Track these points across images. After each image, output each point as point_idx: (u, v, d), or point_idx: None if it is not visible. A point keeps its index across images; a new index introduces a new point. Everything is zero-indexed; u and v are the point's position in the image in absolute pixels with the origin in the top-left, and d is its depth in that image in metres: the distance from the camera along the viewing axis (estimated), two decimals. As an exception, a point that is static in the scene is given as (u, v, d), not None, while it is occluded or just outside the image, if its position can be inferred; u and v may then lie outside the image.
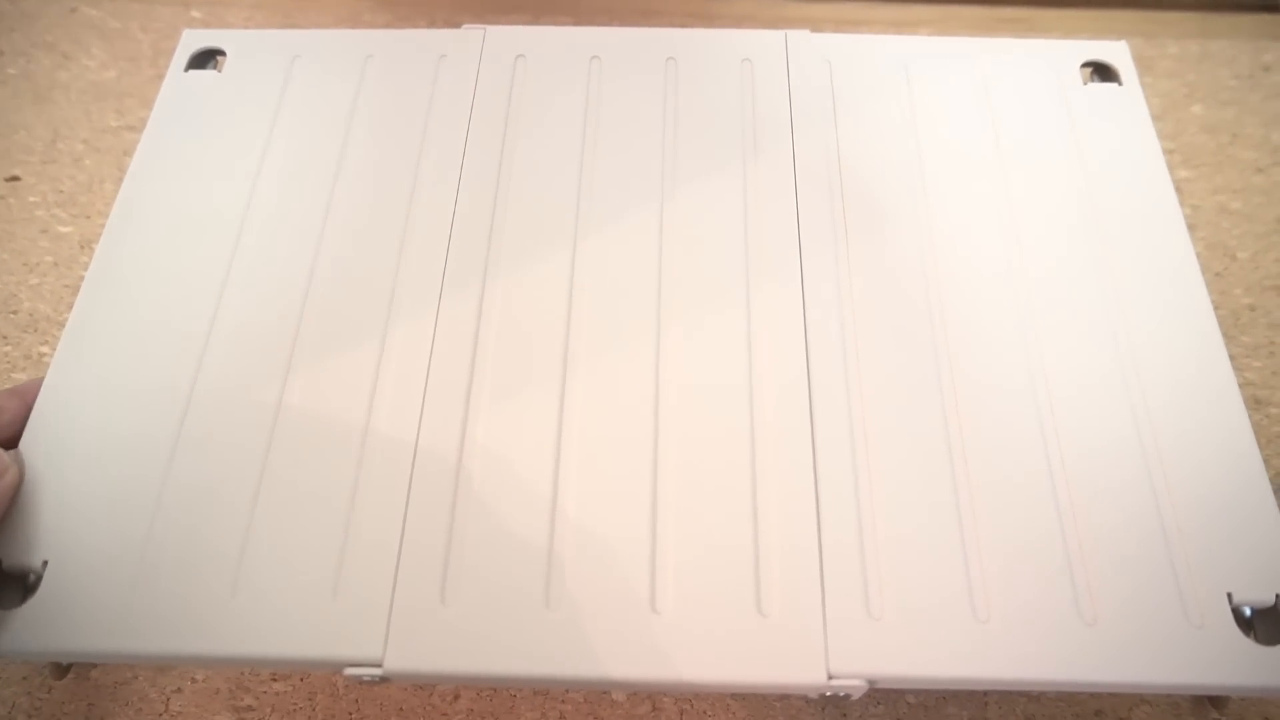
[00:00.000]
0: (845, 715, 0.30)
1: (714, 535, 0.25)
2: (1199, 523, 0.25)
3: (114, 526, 0.26)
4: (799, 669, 0.24)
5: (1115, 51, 0.34)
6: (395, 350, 0.28)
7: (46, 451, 0.27)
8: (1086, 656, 0.24)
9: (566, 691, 0.30)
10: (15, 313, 0.38)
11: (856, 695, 0.24)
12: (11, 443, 0.27)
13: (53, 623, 0.24)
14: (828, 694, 0.24)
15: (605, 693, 0.31)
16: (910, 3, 0.46)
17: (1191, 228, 0.32)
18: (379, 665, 0.24)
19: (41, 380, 0.28)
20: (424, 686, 0.31)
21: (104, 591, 0.25)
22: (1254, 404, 0.36)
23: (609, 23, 0.35)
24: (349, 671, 0.24)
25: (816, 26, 0.35)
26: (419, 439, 0.27)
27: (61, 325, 0.38)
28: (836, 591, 0.25)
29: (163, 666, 0.31)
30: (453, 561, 0.25)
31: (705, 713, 0.30)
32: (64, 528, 0.26)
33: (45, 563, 0.25)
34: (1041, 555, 0.25)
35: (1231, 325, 0.37)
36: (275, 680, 0.31)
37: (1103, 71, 0.34)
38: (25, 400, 0.28)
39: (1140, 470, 0.26)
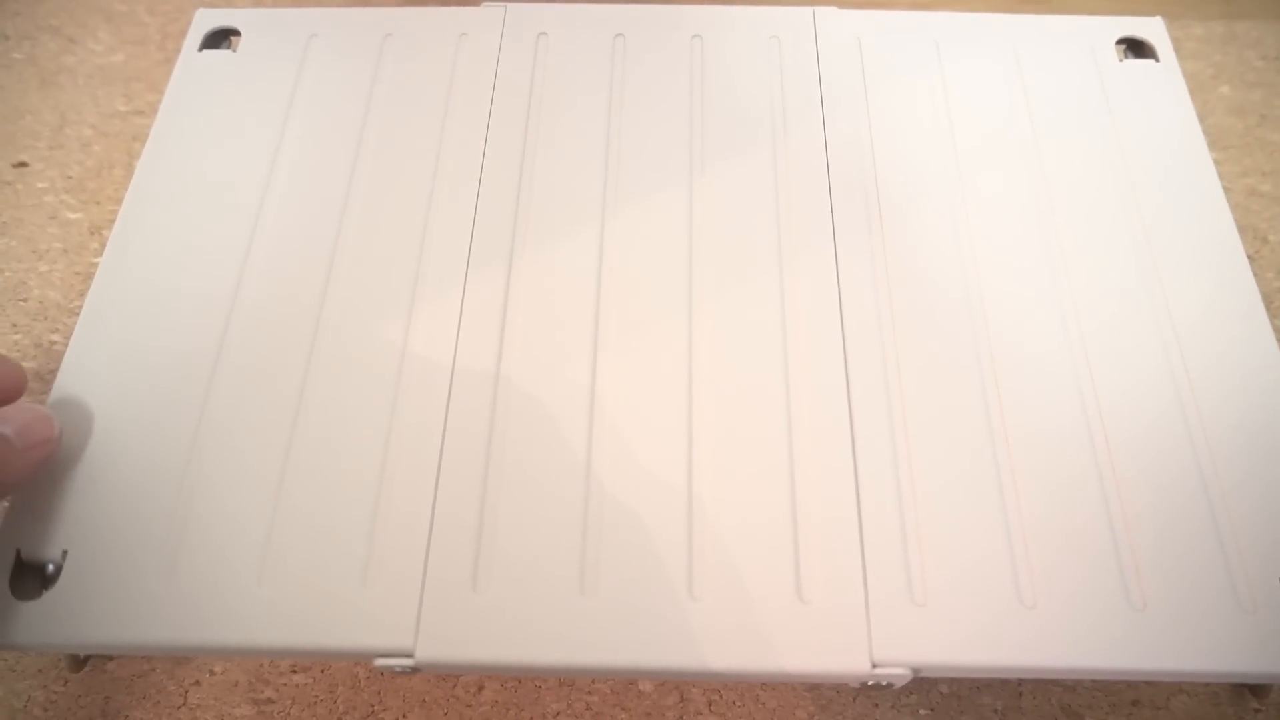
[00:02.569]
0: (877, 705, 0.29)
1: (752, 520, 0.25)
2: (1248, 505, 0.25)
3: (136, 516, 0.25)
4: (842, 657, 0.23)
5: (1150, 27, 0.33)
6: (421, 332, 0.27)
7: (65, 439, 0.26)
8: (1136, 643, 0.23)
9: (593, 682, 0.30)
10: (25, 300, 0.38)
11: (899, 685, 0.24)
12: None
13: (73, 614, 0.24)
14: (869, 683, 0.24)
15: (632, 683, 0.30)
16: (932, -18, 0.45)
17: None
18: (410, 655, 0.23)
19: None
20: (447, 678, 0.30)
21: (127, 581, 0.24)
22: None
23: (628, 0, 0.34)
24: (379, 662, 0.23)
25: (841, 4, 0.34)
26: (446, 424, 0.26)
27: (72, 312, 0.37)
28: (879, 577, 0.24)
29: (181, 659, 0.30)
30: (484, 548, 0.24)
31: (734, 703, 0.30)
32: (84, 517, 0.25)
33: (65, 553, 0.25)
34: (1088, 539, 0.24)
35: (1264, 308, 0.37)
36: (295, 672, 0.30)
37: (1137, 48, 0.33)
38: None
39: (1187, 451, 0.26)
